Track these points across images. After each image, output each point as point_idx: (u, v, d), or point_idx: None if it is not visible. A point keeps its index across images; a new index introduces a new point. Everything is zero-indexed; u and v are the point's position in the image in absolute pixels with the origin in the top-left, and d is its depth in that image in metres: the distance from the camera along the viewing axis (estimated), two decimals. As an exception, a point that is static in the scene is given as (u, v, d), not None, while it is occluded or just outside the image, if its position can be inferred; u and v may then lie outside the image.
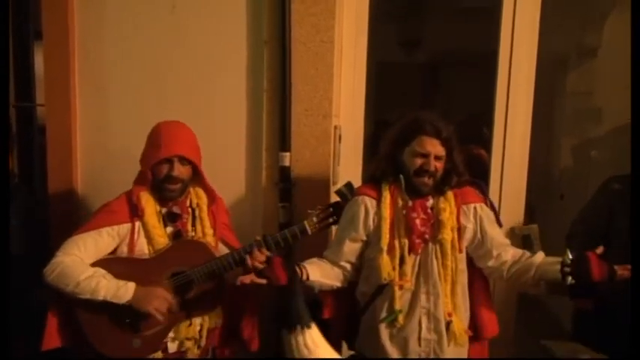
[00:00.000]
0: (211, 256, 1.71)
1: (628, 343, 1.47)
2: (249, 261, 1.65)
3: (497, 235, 1.76)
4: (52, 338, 1.69)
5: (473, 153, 3.56)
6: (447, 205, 1.71)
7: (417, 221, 1.69)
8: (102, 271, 1.64)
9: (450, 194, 1.72)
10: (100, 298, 1.60)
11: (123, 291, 1.61)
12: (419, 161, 1.68)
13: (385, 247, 1.68)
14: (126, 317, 1.65)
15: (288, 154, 2.15)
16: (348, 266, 1.77)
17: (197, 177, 1.79)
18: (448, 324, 1.69)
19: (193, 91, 2.24)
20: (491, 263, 1.74)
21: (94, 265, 1.66)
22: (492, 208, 1.83)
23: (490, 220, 1.77)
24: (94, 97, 2.31)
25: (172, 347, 1.74)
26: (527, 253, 1.74)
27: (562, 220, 2.56)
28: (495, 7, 2.24)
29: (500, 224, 1.83)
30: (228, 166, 2.22)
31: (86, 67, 2.30)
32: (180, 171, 1.71)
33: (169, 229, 1.75)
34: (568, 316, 2.29)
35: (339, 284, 1.78)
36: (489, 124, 2.36)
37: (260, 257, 1.66)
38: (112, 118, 2.30)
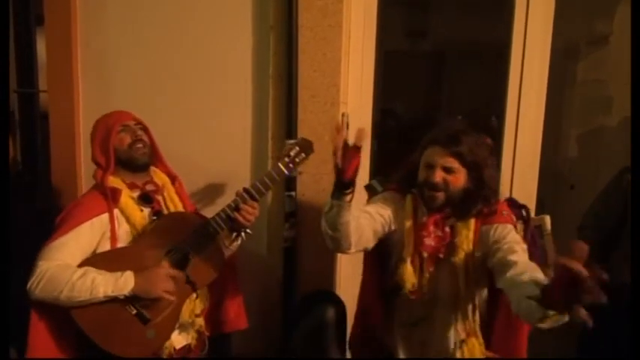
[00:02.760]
0: (198, 224, 1.67)
1: (628, 342, 1.44)
2: (239, 216, 1.62)
3: (517, 246, 1.50)
4: (37, 347, 1.59)
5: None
6: (464, 229, 1.58)
7: (426, 240, 1.59)
8: (92, 268, 1.54)
9: (471, 220, 1.57)
10: (101, 295, 1.50)
11: (122, 282, 1.52)
12: (426, 174, 1.58)
13: (409, 258, 1.61)
14: (131, 309, 1.57)
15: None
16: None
17: (153, 159, 1.77)
18: (462, 342, 1.62)
19: (198, 78, 2.20)
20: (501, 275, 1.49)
21: (80, 266, 1.55)
22: (532, 238, 1.68)
23: (513, 240, 1.52)
24: (97, 84, 2.27)
25: (179, 340, 1.70)
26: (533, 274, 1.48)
27: (572, 210, 2.53)
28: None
29: (533, 257, 1.56)
30: (233, 154, 2.19)
31: (88, 53, 2.26)
32: (142, 134, 1.71)
33: (147, 211, 1.69)
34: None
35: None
36: (499, 115, 2.32)
37: (249, 209, 1.63)
38: (115, 105, 2.25)
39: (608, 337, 1.88)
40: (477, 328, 1.65)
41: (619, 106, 2.81)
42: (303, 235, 2.18)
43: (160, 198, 1.74)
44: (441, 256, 1.60)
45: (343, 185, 1.44)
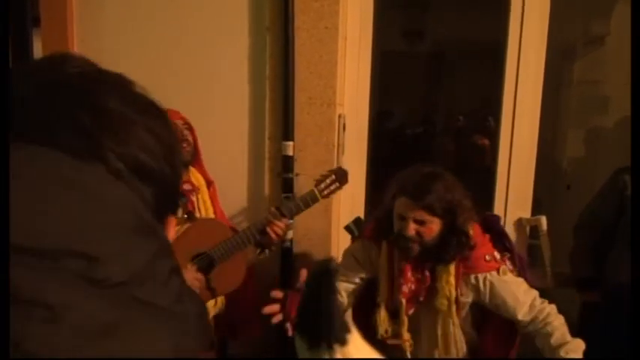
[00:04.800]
0: (228, 233, 1.72)
1: (628, 342, 1.44)
2: (270, 231, 1.67)
3: (515, 303, 1.54)
4: None
5: (477, 143, 3.53)
6: (444, 274, 1.54)
7: (404, 287, 1.57)
8: None
9: (450, 266, 1.54)
10: None
11: None
12: (399, 224, 1.53)
13: (383, 303, 1.62)
14: None
15: (291, 143, 2.11)
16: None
17: (193, 159, 1.80)
18: None
19: (194, 79, 2.20)
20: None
21: None
22: (520, 262, 1.66)
23: (506, 287, 1.55)
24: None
25: None
26: (544, 314, 1.54)
27: (568, 210, 2.53)
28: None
29: (527, 279, 1.62)
30: (230, 155, 2.19)
31: (85, 54, 2.26)
32: (188, 134, 1.74)
33: (179, 212, 1.73)
34: (575, 309, 2.26)
35: None
36: (495, 115, 2.32)
37: (280, 225, 1.67)
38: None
39: (606, 336, 1.88)
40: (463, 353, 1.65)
41: (616, 106, 2.82)
42: (300, 236, 2.18)
43: (194, 199, 1.77)
44: (422, 299, 1.58)
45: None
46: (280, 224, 1.69)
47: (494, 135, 2.38)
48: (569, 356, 1.48)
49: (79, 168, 0.36)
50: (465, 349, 1.67)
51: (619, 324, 1.91)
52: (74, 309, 0.30)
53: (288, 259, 2.19)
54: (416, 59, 4.53)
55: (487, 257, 1.56)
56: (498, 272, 1.56)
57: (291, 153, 2.12)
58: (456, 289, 1.55)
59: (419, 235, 1.51)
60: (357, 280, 1.66)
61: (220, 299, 1.80)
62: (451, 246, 1.52)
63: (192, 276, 1.63)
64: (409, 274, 1.58)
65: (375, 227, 1.66)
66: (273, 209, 1.75)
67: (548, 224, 2.17)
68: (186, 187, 1.76)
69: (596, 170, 2.74)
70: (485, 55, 2.80)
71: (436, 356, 1.61)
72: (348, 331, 0.74)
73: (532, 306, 1.54)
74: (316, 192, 1.75)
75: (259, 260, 2.20)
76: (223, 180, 2.15)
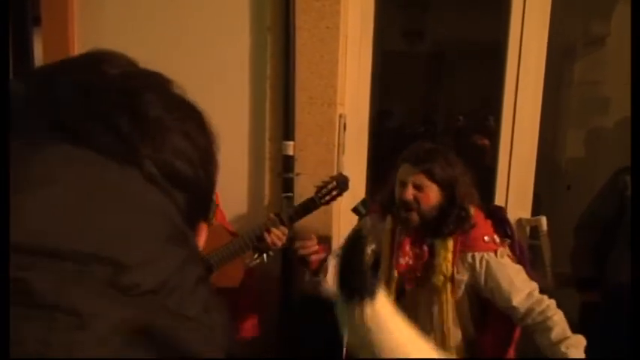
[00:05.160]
0: (227, 238, 1.70)
1: (628, 342, 1.45)
2: (268, 238, 1.64)
3: (510, 287, 1.53)
4: None
5: (477, 143, 3.54)
6: (442, 250, 1.56)
7: (401, 260, 1.60)
8: None
9: (449, 240, 1.56)
10: None
11: None
12: (399, 191, 1.58)
13: (382, 279, 1.62)
14: None
15: (291, 143, 2.11)
16: None
17: None
18: None
19: (195, 79, 2.19)
20: (511, 315, 1.57)
21: None
22: (521, 250, 1.66)
23: (502, 269, 1.55)
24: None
25: None
26: (542, 307, 1.53)
27: (569, 210, 2.54)
28: (503, -6, 2.20)
29: (528, 271, 1.61)
30: (231, 155, 2.19)
31: (86, 53, 2.26)
32: None
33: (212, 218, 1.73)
34: (575, 309, 2.27)
35: None
36: (495, 115, 2.32)
37: (278, 233, 1.65)
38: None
39: (606, 336, 1.88)
40: (458, 344, 1.65)
41: (616, 107, 2.82)
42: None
43: None
44: (418, 274, 1.60)
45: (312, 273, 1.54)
46: (279, 232, 1.67)
47: (494, 135, 2.38)
48: (569, 351, 1.46)
49: (114, 171, 0.35)
50: (459, 337, 1.67)
51: (619, 324, 1.92)
52: (101, 316, 0.29)
53: (288, 259, 2.19)
54: (416, 59, 4.54)
55: (486, 238, 1.57)
56: (496, 254, 1.56)
57: (291, 153, 2.12)
58: (453, 267, 1.56)
59: (417, 201, 1.54)
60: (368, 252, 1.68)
61: None
62: (450, 219, 1.54)
63: None
64: (407, 247, 1.61)
65: (381, 203, 1.71)
66: (272, 216, 1.72)
67: (549, 224, 2.17)
68: None
69: (596, 170, 2.75)
70: (486, 55, 2.80)
71: (430, 336, 1.59)
72: (377, 288, 0.92)
73: (530, 295, 1.53)
74: (316, 199, 1.74)
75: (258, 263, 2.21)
76: (223, 179, 2.14)
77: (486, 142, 3.46)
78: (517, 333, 1.68)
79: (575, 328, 2.07)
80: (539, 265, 2.19)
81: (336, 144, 2.14)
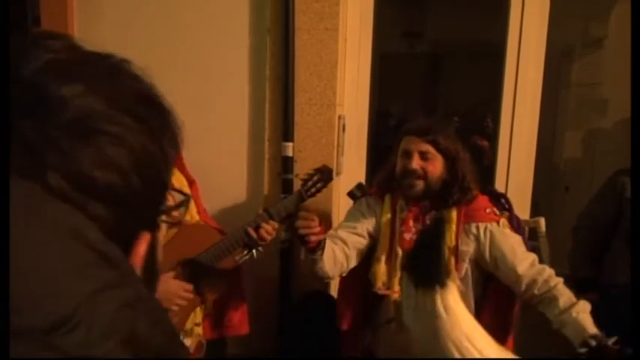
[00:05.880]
0: (216, 237, 1.71)
1: (630, 340, 1.45)
2: (254, 233, 1.66)
3: (513, 257, 1.56)
4: None
5: (476, 144, 3.54)
6: (446, 221, 1.57)
7: (406, 235, 1.62)
8: None
9: (452, 211, 1.59)
10: None
11: None
12: (403, 162, 1.62)
13: (383, 257, 1.65)
14: None
15: (291, 144, 2.12)
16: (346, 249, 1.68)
17: None
18: None
19: (195, 80, 2.20)
20: (514, 287, 1.59)
21: None
22: (517, 224, 1.69)
23: (505, 239, 1.58)
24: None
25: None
26: (544, 276, 1.55)
27: (567, 211, 2.55)
28: (502, -4, 2.21)
29: (526, 243, 1.65)
30: (230, 156, 2.19)
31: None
32: None
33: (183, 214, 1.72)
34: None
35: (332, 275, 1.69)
36: (494, 116, 2.33)
37: (268, 228, 1.67)
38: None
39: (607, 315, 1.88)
40: None
41: (614, 108, 2.82)
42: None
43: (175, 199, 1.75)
44: None
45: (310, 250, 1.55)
46: (268, 227, 1.68)
47: (493, 136, 2.38)
48: (579, 316, 1.48)
49: (15, 187, 0.30)
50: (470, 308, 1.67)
51: (616, 324, 1.92)
52: None
53: (287, 260, 2.19)
54: (415, 60, 4.54)
55: (487, 210, 1.62)
56: (498, 224, 1.60)
57: (290, 154, 2.12)
58: (457, 238, 1.58)
59: (423, 170, 1.58)
60: (364, 234, 1.69)
61: (206, 303, 1.78)
62: (454, 189, 1.58)
63: (179, 286, 1.61)
64: (411, 222, 1.62)
65: (380, 182, 1.73)
66: (261, 212, 1.75)
67: (547, 226, 2.18)
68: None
69: (594, 172, 2.75)
70: (485, 57, 2.81)
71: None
72: (448, 278, 0.94)
73: (532, 264, 1.56)
74: (302, 192, 1.76)
75: (255, 260, 2.21)
76: (223, 181, 2.16)
77: (486, 143, 3.46)
78: (514, 314, 1.70)
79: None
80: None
81: (335, 145, 2.14)
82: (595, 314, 2.08)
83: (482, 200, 1.64)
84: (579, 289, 2.13)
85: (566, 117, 3.34)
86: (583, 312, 1.50)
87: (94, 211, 0.33)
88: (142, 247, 0.39)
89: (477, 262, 1.63)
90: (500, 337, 1.68)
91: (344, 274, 1.74)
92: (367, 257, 1.76)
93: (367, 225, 1.70)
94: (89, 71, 0.38)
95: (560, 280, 1.56)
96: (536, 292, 1.54)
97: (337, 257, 1.64)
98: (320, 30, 2.08)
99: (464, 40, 3.96)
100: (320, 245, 1.57)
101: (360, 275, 1.77)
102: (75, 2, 2.24)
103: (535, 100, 2.23)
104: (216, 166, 2.18)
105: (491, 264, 1.60)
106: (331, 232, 1.74)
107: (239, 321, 1.86)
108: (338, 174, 2.16)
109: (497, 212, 1.63)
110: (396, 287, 1.62)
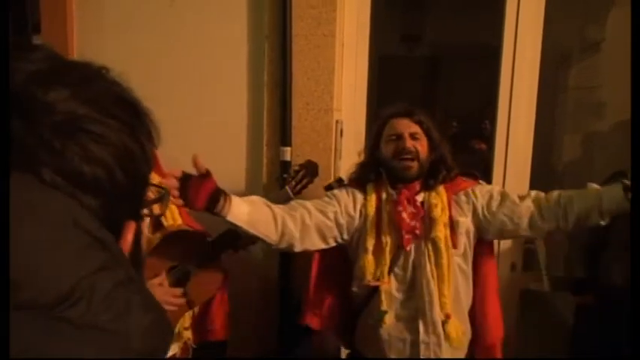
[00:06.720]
0: (201, 241, 1.70)
1: (628, 341, 1.46)
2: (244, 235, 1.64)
3: (509, 194, 1.65)
4: None
5: (475, 147, 3.55)
6: (439, 201, 1.62)
7: (404, 215, 1.60)
8: None
9: (440, 188, 1.64)
10: None
11: None
12: (394, 145, 1.64)
13: (370, 248, 1.62)
14: None
15: (289, 148, 2.13)
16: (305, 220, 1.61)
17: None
18: (444, 324, 1.61)
19: (193, 86, 2.22)
20: (520, 231, 1.64)
21: None
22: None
23: (487, 192, 1.67)
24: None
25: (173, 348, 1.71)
26: (540, 195, 1.63)
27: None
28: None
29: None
30: (228, 161, 2.21)
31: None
32: None
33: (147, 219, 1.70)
34: (570, 312, 2.28)
35: (275, 239, 1.57)
36: (491, 119, 2.34)
37: None
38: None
39: (600, 337, 1.90)
40: (459, 304, 1.66)
41: (611, 111, 2.83)
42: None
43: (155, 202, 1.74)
44: (418, 232, 1.61)
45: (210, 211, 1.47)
46: None
47: (490, 139, 2.39)
48: (596, 186, 1.61)
49: (13, 179, 0.34)
50: (469, 289, 1.70)
51: (613, 325, 1.93)
52: None
53: (287, 260, 2.20)
54: (413, 63, 4.55)
55: (464, 178, 1.72)
56: (480, 184, 1.72)
57: (288, 158, 2.13)
58: (450, 210, 1.62)
59: (416, 150, 1.62)
60: (331, 216, 1.64)
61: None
62: (440, 167, 1.64)
63: (167, 292, 1.61)
64: (406, 201, 1.63)
65: (359, 172, 1.74)
66: None
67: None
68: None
69: (591, 175, 2.76)
70: (484, 60, 2.82)
71: (433, 290, 1.60)
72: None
73: (528, 193, 1.65)
74: (288, 190, 1.77)
75: (255, 260, 2.22)
76: (221, 185, 2.16)
77: (483, 146, 3.47)
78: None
79: (570, 330, 2.09)
80: (535, 268, 2.21)
81: (333, 149, 2.16)
82: (592, 315, 2.10)
83: (458, 177, 1.72)
84: (576, 291, 2.15)
85: (564, 120, 3.34)
86: (608, 192, 1.58)
87: (85, 202, 0.38)
88: (129, 235, 0.44)
89: (478, 229, 1.66)
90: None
91: (296, 250, 1.65)
92: (343, 257, 1.76)
93: (338, 210, 1.66)
94: (72, 78, 0.41)
95: (555, 192, 1.63)
96: (546, 201, 1.60)
97: (286, 224, 1.58)
98: (317, 36, 2.10)
99: (463, 43, 3.98)
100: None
101: (336, 272, 1.77)
102: (75, 9, 2.26)
103: (531, 103, 2.24)
104: (214, 171, 2.18)
105: (490, 216, 1.63)
106: (299, 201, 1.70)
107: (221, 326, 1.85)
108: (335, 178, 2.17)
109: (473, 179, 1.74)
110: (386, 278, 1.62)
